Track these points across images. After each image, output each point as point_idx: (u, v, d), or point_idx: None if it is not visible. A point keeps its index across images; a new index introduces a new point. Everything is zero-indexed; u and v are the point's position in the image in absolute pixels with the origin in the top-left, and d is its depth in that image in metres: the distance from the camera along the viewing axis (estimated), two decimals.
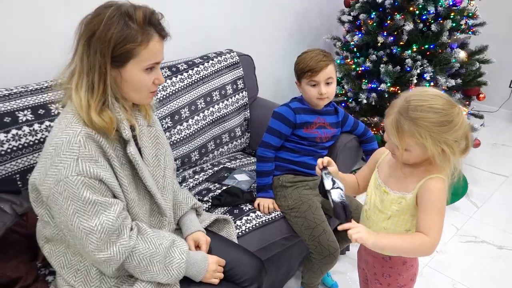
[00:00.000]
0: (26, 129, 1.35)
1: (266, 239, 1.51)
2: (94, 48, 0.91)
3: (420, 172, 1.05)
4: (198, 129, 1.86)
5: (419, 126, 0.96)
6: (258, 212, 1.57)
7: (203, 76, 1.90)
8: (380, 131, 2.61)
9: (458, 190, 2.56)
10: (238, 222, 1.51)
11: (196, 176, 1.78)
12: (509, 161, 3.02)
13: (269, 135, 1.64)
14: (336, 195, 1.04)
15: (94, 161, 0.93)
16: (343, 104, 2.54)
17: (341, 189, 1.06)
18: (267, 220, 1.55)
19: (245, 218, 1.53)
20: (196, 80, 1.86)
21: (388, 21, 2.21)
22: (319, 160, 1.17)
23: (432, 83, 2.17)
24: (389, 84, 2.22)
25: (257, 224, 1.52)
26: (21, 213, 1.14)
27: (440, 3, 2.12)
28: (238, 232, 1.46)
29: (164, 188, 1.15)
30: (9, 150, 1.31)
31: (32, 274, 1.16)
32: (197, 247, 1.24)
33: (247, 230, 1.49)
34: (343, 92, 2.52)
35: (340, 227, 1.03)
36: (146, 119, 1.12)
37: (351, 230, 1.00)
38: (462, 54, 2.18)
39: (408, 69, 2.17)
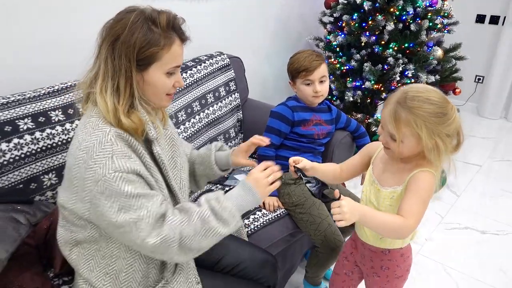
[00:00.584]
0: (27, 137, 1.31)
1: (274, 236, 1.54)
2: (119, 52, 0.92)
3: (411, 166, 1.09)
4: (195, 131, 1.86)
5: (415, 115, 0.99)
6: (263, 210, 1.60)
7: (197, 79, 1.90)
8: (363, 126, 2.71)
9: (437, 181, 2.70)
10: (246, 221, 1.53)
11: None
12: (478, 151, 3.21)
13: (269, 134, 1.67)
14: (310, 186, 1.10)
15: (128, 157, 0.92)
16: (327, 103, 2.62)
17: (313, 180, 1.12)
18: (273, 218, 1.58)
19: (252, 216, 1.55)
20: (190, 83, 1.87)
21: (370, 22, 2.31)
22: (290, 160, 1.22)
23: (413, 80, 2.29)
24: (373, 82, 2.31)
25: (264, 222, 1.55)
26: (35, 223, 1.11)
27: (418, 4, 2.23)
28: (247, 231, 1.48)
29: (180, 190, 1.15)
30: (11, 160, 1.27)
31: (47, 284, 1.13)
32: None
33: (255, 228, 1.51)
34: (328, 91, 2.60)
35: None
36: (162, 122, 1.13)
37: (334, 216, 1.02)
38: (439, 52, 2.32)
39: (386, 66, 2.27)
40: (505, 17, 3.56)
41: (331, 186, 1.69)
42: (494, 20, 3.69)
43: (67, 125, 1.40)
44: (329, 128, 1.77)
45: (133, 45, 0.91)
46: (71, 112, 1.42)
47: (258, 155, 1.68)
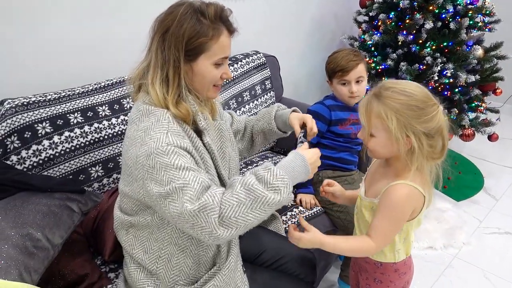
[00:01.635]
0: (77, 131, 1.37)
1: None
2: (169, 43, 0.95)
3: (390, 175, 1.04)
4: None
5: (386, 106, 0.95)
6: (300, 207, 1.60)
7: (234, 77, 1.93)
8: None
9: (474, 184, 2.63)
10: (283, 218, 1.54)
11: None
12: None
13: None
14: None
15: (181, 137, 0.95)
16: None
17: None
18: (310, 215, 1.58)
19: (289, 213, 1.56)
20: (227, 81, 1.90)
21: (407, 20, 2.27)
22: (324, 182, 1.25)
23: (451, 79, 2.23)
24: None
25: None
26: (86, 211, 1.16)
27: (458, 2, 2.18)
28: (285, 227, 1.49)
29: (229, 179, 1.17)
30: (62, 152, 1.33)
31: (96, 271, 1.18)
32: (303, 126, 1.23)
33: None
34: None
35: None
36: (211, 113, 1.15)
37: (290, 239, 1.06)
38: (479, 51, 2.25)
39: (423, 65, 2.23)
40: None
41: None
42: None
43: (113, 120, 1.46)
44: None
45: (182, 36, 0.94)
46: (117, 108, 1.48)
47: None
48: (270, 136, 1.32)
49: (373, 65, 2.42)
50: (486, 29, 2.32)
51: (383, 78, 2.39)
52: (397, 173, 1.02)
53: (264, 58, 2.10)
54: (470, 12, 2.21)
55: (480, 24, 2.27)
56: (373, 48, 2.48)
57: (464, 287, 1.84)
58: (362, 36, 2.53)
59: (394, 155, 1.01)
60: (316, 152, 1.06)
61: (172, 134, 0.93)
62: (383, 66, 2.38)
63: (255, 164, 1.89)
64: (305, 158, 1.00)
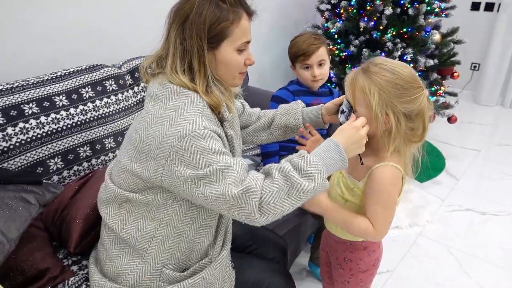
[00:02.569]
0: (33, 122, 1.31)
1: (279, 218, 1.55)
2: (190, 32, 0.91)
3: (369, 155, 1.02)
4: None
5: (371, 80, 0.94)
6: None
7: None
8: None
9: (436, 166, 2.73)
10: None
11: None
12: (477, 136, 3.25)
13: None
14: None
15: (213, 123, 0.93)
16: None
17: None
18: None
19: None
20: None
21: (368, 7, 2.32)
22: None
23: (411, 64, 2.30)
24: None
25: None
26: (44, 203, 1.11)
27: None
28: None
29: None
30: (17, 144, 1.27)
31: (58, 265, 1.14)
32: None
33: None
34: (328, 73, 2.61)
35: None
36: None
37: None
38: (437, 36, 2.33)
39: (385, 52, 2.28)
40: (500, 4, 3.58)
41: None
42: (489, 7, 3.72)
43: (72, 110, 1.40)
44: None
45: (203, 23, 0.91)
46: (75, 98, 1.43)
47: (262, 153, 1.67)
48: (291, 132, 1.28)
49: (336, 52, 2.45)
50: (443, 15, 2.40)
51: (347, 65, 2.43)
52: (375, 153, 1.02)
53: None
54: None
55: (437, 10, 2.35)
56: (336, 36, 2.51)
57: (430, 263, 1.91)
58: (325, 24, 2.56)
59: (373, 134, 1.00)
60: (354, 135, 0.96)
61: (206, 118, 0.91)
62: (346, 53, 2.41)
63: None
64: (339, 144, 0.95)
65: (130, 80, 1.64)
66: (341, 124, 1.02)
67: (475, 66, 3.94)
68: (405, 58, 2.27)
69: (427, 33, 2.33)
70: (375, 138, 1.01)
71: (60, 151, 1.37)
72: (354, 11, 2.36)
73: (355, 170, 1.06)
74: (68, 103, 1.40)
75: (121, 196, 1.00)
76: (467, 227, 2.16)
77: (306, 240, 1.86)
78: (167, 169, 0.89)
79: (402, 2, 2.26)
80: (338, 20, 2.45)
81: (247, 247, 1.31)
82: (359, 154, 1.00)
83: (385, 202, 0.99)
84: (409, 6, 2.27)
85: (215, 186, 0.86)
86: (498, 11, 3.62)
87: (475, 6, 3.78)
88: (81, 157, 1.42)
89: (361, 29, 2.34)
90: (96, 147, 1.45)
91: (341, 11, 2.43)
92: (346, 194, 1.08)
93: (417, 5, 2.25)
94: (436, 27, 2.46)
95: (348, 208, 1.06)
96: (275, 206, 0.87)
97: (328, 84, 1.82)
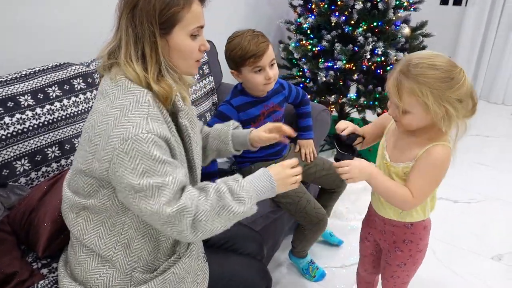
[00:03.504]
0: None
1: (256, 213, 1.54)
2: (140, 18, 0.90)
3: (423, 140, 1.04)
4: None
5: (419, 83, 0.94)
6: None
7: None
8: (335, 110, 2.76)
9: None
10: None
11: None
12: None
13: None
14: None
15: (161, 122, 0.91)
16: (301, 85, 2.65)
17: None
18: None
19: None
20: None
21: (339, 2, 2.34)
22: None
23: (382, 58, 2.34)
24: (344, 62, 2.35)
25: None
26: (9, 206, 1.08)
27: None
28: None
29: (199, 166, 1.13)
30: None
31: (27, 269, 1.11)
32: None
33: None
34: (300, 73, 2.63)
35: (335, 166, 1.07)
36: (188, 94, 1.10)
37: (341, 175, 1.03)
38: (406, 30, 2.38)
39: (357, 48, 2.32)
40: None
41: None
42: (458, 1, 3.81)
43: (38, 110, 1.36)
44: (283, 110, 1.66)
45: (153, 8, 0.90)
46: (41, 97, 1.39)
47: (204, 173, 1.52)
48: (224, 154, 1.30)
49: (309, 47, 2.47)
50: (412, 9, 2.45)
51: (320, 60, 2.45)
52: (430, 138, 1.03)
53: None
54: None
55: (405, 4, 2.39)
56: (309, 31, 2.53)
57: None
58: (298, 19, 2.58)
59: (431, 124, 1.02)
60: (286, 172, 1.04)
61: (152, 119, 0.89)
62: (319, 48, 2.44)
63: None
64: (271, 175, 1.02)
65: (99, 78, 1.61)
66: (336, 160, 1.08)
67: None
68: (376, 51, 2.30)
69: (397, 27, 2.37)
70: (430, 126, 1.02)
71: (27, 152, 1.33)
72: (326, 6, 2.38)
73: (402, 155, 1.09)
74: (34, 102, 1.36)
75: (78, 204, 0.98)
76: (440, 216, 2.21)
77: (285, 235, 1.87)
78: (111, 173, 0.88)
79: None
80: (310, 15, 2.47)
81: (223, 243, 1.30)
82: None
83: (433, 179, 1.04)
84: (378, 0, 2.30)
85: (150, 202, 0.87)
86: (466, 5, 3.72)
87: (444, 1, 3.87)
88: (50, 158, 1.38)
89: (333, 24, 2.37)
90: (65, 147, 1.42)
91: (313, 6, 2.45)
92: (400, 181, 1.10)
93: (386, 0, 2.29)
94: (406, 21, 2.50)
95: None
96: (206, 224, 0.92)
97: (279, 79, 1.63)
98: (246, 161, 1.61)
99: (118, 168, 0.86)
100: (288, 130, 1.23)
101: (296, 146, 1.73)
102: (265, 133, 1.24)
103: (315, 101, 2.60)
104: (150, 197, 0.87)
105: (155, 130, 0.88)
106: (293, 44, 2.51)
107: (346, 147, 1.11)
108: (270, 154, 1.62)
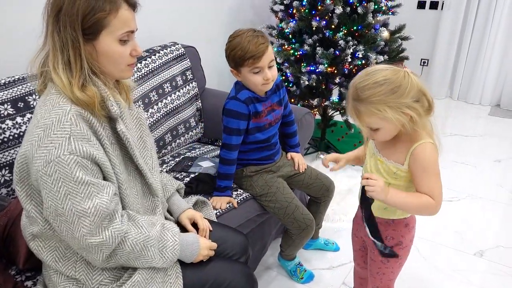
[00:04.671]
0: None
1: (242, 217, 1.55)
2: (64, 23, 0.88)
3: (407, 140, 1.07)
4: (154, 121, 1.84)
5: (373, 103, 0.99)
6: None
7: (152, 69, 1.88)
8: (319, 113, 2.79)
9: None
10: (214, 203, 1.53)
11: (160, 169, 1.75)
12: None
13: (228, 136, 1.53)
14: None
15: (86, 140, 0.89)
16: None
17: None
18: (240, 200, 1.59)
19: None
20: (146, 73, 1.84)
21: (319, 7, 2.38)
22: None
23: (363, 61, 2.38)
24: (326, 65, 2.39)
25: (231, 205, 1.56)
26: None
27: None
28: (216, 213, 1.49)
29: (153, 169, 1.13)
30: None
31: (10, 281, 1.09)
32: (193, 224, 1.26)
33: (223, 210, 1.52)
34: (283, 78, 2.66)
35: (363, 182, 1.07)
36: (127, 102, 1.10)
37: (367, 186, 1.04)
38: (385, 33, 2.43)
39: (338, 52, 2.36)
40: (443, 2, 3.78)
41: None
42: (434, 5, 3.92)
43: (18, 119, 1.34)
44: (281, 109, 1.65)
45: (76, 13, 0.88)
46: (22, 106, 1.36)
47: (221, 159, 1.56)
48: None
49: (291, 51, 2.50)
50: (390, 13, 2.50)
51: (302, 64, 2.48)
52: (411, 139, 1.07)
53: (183, 49, 2.06)
54: None
55: (384, 8, 2.44)
56: (290, 36, 2.56)
57: None
58: (280, 24, 2.60)
59: (403, 131, 1.05)
60: (210, 253, 1.16)
61: (76, 139, 0.88)
62: (301, 52, 2.46)
63: (182, 156, 1.86)
64: (198, 247, 1.13)
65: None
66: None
67: (424, 62, 4.14)
68: (356, 55, 2.34)
69: (377, 31, 2.42)
70: (405, 131, 1.05)
71: (8, 162, 1.30)
72: (306, 11, 2.42)
73: (393, 154, 1.11)
74: (14, 112, 1.34)
75: (28, 234, 0.99)
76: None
77: (273, 238, 1.87)
78: (38, 190, 0.90)
79: (351, 1, 2.34)
80: (292, 20, 2.50)
81: None
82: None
83: (436, 173, 1.06)
84: (358, 5, 2.35)
85: (71, 228, 0.90)
86: (442, 9, 3.82)
87: (421, 5, 3.97)
88: None
89: (314, 28, 2.40)
90: None
91: (294, 11, 2.48)
92: (388, 178, 1.12)
93: (365, 4, 2.34)
94: (385, 24, 2.56)
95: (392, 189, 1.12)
96: (120, 260, 0.98)
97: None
98: (238, 164, 1.62)
99: (42, 189, 0.88)
100: (202, 225, 1.27)
101: (287, 155, 1.76)
102: (188, 222, 1.27)
103: (299, 105, 2.63)
104: (71, 223, 0.89)
105: (77, 150, 0.87)
106: (275, 49, 2.53)
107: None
108: (263, 157, 1.64)
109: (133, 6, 0.97)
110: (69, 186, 0.86)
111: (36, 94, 1.40)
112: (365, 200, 1.09)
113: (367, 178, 1.05)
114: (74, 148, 0.87)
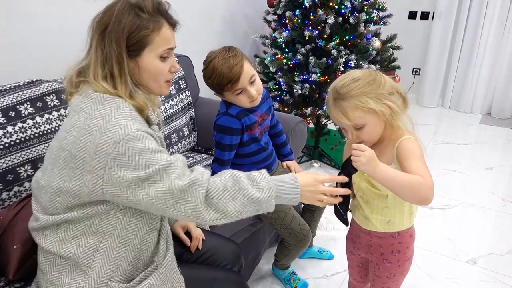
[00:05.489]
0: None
1: (236, 226, 1.55)
2: (109, 40, 0.93)
3: (389, 142, 1.11)
4: None
5: (355, 96, 1.03)
6: None
7: None
8: (311, 122, 2.80)
9: None
10: None
11: None
12: (421, 136, 3.40)
13: (221, 152, 1.49)
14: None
15: (144, 125, 0.94)
16: (277, 98, 2.69)
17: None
18: None
19: None
20: None
21: (311, 17, 2.41)
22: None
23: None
24: (319, 74, 2.41)
25: None
26: None
27: None
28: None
29: None
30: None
31: None
32: (186, 233, 1.27)
33: None
34: (277, 87, 2.67)
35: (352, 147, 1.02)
36: (158, 116, 1.14)
37: (353, 156, 1.00)
38: (377, 43, 2.46)
39: (331, 61, 2.38)
40: (434, 12, 3.85)
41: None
42: (425, 15, 3.98)
43: (9, 128, 1.33)
44: (270, 118, 1.62)
45: (122, 31, 0.93)
46: (13, 115, 1.36)
47: (212, 172, 1.49)
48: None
49: (284, 61, 2.52)
50: (381, 23, 2.54)
51: (295, 73, 2.49)
52: (392, 139, 1.10)
53: (176, 59, 2.06)
54: (366, 7, 2.40)
55: (375, 18, 2.48)
56: (283, 45, 2.59)
57: None
58: (273, 34, 2.63)
59: (387, 125, 1.09)
60: (317, 187, 1.03)
61: (136, 121, 0.91)
62: (294, 61, 2.49)
63: None
64: (297, 181, 1.03)
65: (67, 96, 1.59)
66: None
67: (416, 71, 4.19)
68: (349, 64, 2.37)
69: (368, 40, 2.45)
70: (386, 127, 1.10)
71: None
72: (299, 21, 2.44)
73: (380, 161, 1.08)
74: (5, 120, 1.33)
75: (58, 221, 0.97)
76: (416, 222, 2.25)
77: (266, 247, 1.87)
78: (107, 179, 0.88)
79: (343, 11, 2.37)
80: (285, 30, 2.52)
81: (199, 256, 1.29)
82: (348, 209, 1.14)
83: (421, 157, 1.06)
84: (349, 15, 2.38)
85: (160, 184, 0.89)
86: (433, 19, 3.88)
87: (412, 15, 4.03)
88: (22, 177, 1.34)
89: (307, 38, 2.42)
90: (39, 166, 1.38)
91: (287, 21, 2.51)
92: (383, 189, 1.12)
93: (357, 14, 2.37)
94: (376, 34, 2.59)
95: (392, 202, 1.14)
96: (219, 203, 0.93)
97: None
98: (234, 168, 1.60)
99: (117, 170, 0.87)
100: (195, 234, 1.28)
101: (283, 164, 1.75)
102: (182, 230, 1.28)
103: (292, 114, 2.64)
104: (160, 180, 0.89)
105: (141, 128, 0.90)
106: (268, 58, 2.55)
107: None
108: (259, 164, 1.61)
109: (173, 25, 1.03)
110: (148, 156, 0.88)
111: (29, 103, 1.41)
112: (348, 173, 1.06)
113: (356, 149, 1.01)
114: (139, 127, 0.90)
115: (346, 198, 1.11)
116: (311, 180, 1.04)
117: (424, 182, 0.99)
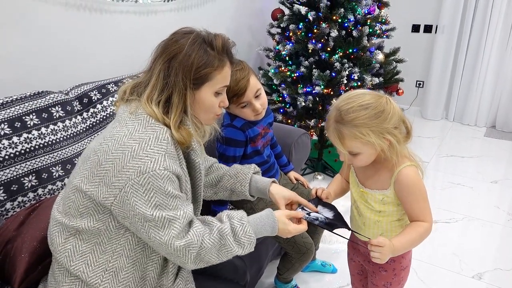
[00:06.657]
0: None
1: None
2: (176, 70, 0.97)
3: (388, 165, 1.08)
4: None
5: (357, 126, 1.00)
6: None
7: None
8: (315, 134, 2.80)
9: None
10: None
11: None
12: (425, 149, 3.42)
13: (225, 163, 1.46)
14: (321, 222, 1.15)
15: (175, 160, 0.96)
16: (281, 110, 2.70)
17: (319, 217, 1.16)
18: None
19: None
20: None
21: (315, 30, 2.43)
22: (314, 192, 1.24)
23: (359, 83, 2.42)
24: (322, 87, 2.42)
25: None
26: None
27: (357, 12, 2.39)
28: None
29: (201, 198, 1.17)
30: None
31: None
32: (290, 205, 1.26)
33: None
34: (280, 99, 2.68)
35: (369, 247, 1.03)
36: (204, 138, 1.16)
37: (371, 253, 1.01)
38: (380, 56, 2.47)
39: (334, 73, 2.39)
40: (437, 26, 3.87)
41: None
42: (428, 29, 4.00)
43: (15, 139, 1.34)
44: (271, 131, 1.65)
45: (191, 65, 0.97)
46: (18, 126, 1.37)
47: (213, 211, 1.52)
48: (236, 196, 1.31)
49: (288, 73, 2.53)
50: (384, 36, 2.56)
51: (299, 85, 2.51)
52: (393, 165, 1.07)
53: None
54: (369, 21, 2.42)
55: (378, 31, 2.50)
56: (287, 58, 2.60)
57: None
58: (277, 47, 2.65)
59: (381, 155, 1.06)
60: (290, 227, 1.10)
61: (169, 157, 0.94)
62: (297, 74, 2.50)
63: None
64: (276, 222, 1.09)
65: (79, 106, 1.60)
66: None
67: (419, 84, 4.19)
68: (352, 77, 2.38)
69: (372, 53, 2.47)
70: (385, 156, 1.06)
71: (2, 182, 1.30)
72: (303, 34, 2.47)
73: (376, 182, 1.12)
74: (11, 131, 1.34)
75: (70, 228, 0.98)
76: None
77: (269, 261, 1.85)
78: (118, 200, 0.91)
79: (346, 25, 2.39)
80: (288, 42, 2.55)
81: (206, 269, 1.28)
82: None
83: (423, 195, 1.07)
84: (353, 28, 2.40)
85: (160, 233, 0.93)
86: (436, 32, 3.90)
87: (415, 28, 4.06)
88: (26, 187, 1.35)
89: (310, 51, 2.44)
90: (43, 176, 1.39)
91: (291, 34, 2.53)
92: (376, 206, 1.13)
93: (360, 27, 2.39)
94: (380, 47, 2.61)
95: (385, 217, 1.14)
96: (205, 258, 0.99)
97: None
98: (222, 207, 1.58)
99: (131, 197, 0.90)
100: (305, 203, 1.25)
101: (291, 178, 1.74)
102: (282, 203, 1.24)
103: (295, 126, 2.64)
104: (160, 228, 0.92)
105: (170, 167, 0.93)
106: (272, 70, 2.57)
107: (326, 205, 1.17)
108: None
109: (233, 64, 1.08)
110: (160, 197, 0.91)
111: (35, 114, 1.42)
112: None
113: (373, 245, 1.01)
114: (168, 165, 0.92)
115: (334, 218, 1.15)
116: (285, 220, 1.11)
117: (428, 229, 1.07)
